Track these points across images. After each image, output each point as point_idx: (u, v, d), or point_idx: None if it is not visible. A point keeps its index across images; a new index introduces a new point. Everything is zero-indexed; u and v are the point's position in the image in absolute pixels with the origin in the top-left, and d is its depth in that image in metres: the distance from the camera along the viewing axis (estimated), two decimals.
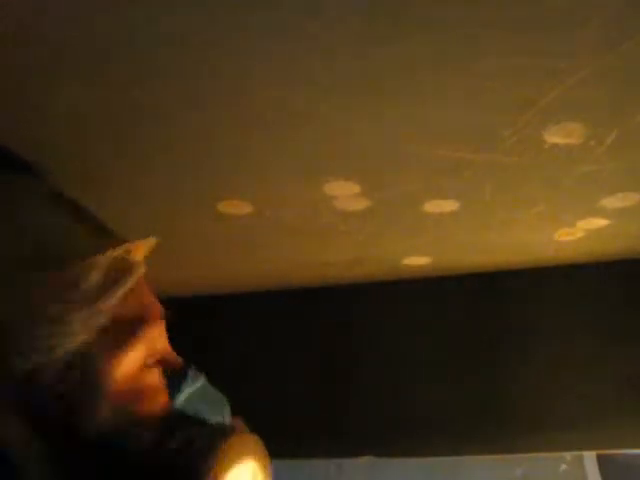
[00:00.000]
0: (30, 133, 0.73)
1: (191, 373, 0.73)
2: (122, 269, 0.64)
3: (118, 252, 0.63)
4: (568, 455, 2.14)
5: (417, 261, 1.10)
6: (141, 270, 0.66)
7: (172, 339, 1.25)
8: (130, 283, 0.63)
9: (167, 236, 1.01)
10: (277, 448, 1.21)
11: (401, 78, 0.65)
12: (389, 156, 0.79)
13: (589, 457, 2.11)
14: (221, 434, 0.61)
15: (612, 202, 0.90)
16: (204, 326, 1.26)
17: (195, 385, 0.72)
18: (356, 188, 0.86)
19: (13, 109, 0.68)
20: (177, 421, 0.62)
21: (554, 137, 0.74)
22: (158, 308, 0.68)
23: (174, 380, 0.66)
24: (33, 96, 0.66)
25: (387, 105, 0.70)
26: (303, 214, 0.94)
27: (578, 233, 1.00)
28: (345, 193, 0.88)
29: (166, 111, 0.70)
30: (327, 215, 0.93)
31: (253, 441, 0.64)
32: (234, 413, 1.25)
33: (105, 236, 0.67)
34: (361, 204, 0.90)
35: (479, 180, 0.84)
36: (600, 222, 0.96)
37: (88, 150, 0.77)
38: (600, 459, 2.11)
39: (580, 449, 1.29)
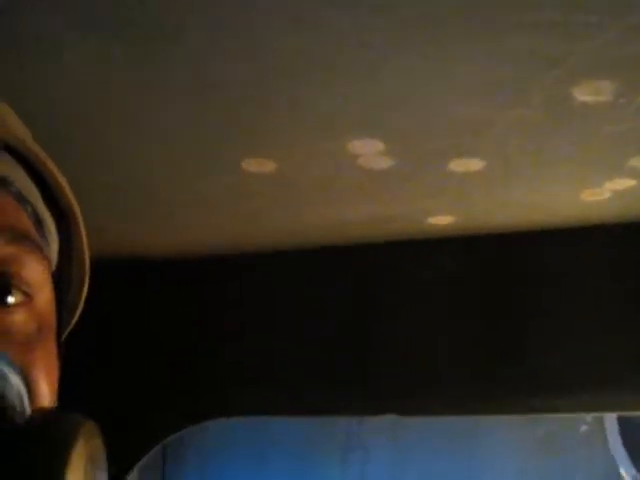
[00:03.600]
0: None
1: None
2: None
3: None
4: (589, 416, 2.15)
5: (441, 220, 1.09)
6: None
7: (193, 300, 1.26)
8: None
9: (191, 194, 1.02)
10: (299, 405, 1.23)
11: (428, 32, 0.64)
12: (414, 114, 0.79)
13: (610, 418, 2.12)
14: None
15: None
16: (224, 286, 1.27)
17: None
18: (380, 146, 0.86)
19: None
20: None
21: (583, 95, 0.73)
22: None
23: None
24: None
25: (414, 61, 0.69)
26: (326, 172, 0.93)
27: (605, 194, 0.99)
28: (369, 151, 0.87)
29: (190, 64, 0.70)
30: (351, 173, 0.92)
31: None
32: (254, 371, 1.26)
33: None
34: (385, 162, 0.90)
35: (505, 138, 0.83)
36: (628, 182, 0.95)
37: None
38: (621, 420, 2.12)
39: (601, 410, 1.29)
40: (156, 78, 0.72)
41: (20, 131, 0.54)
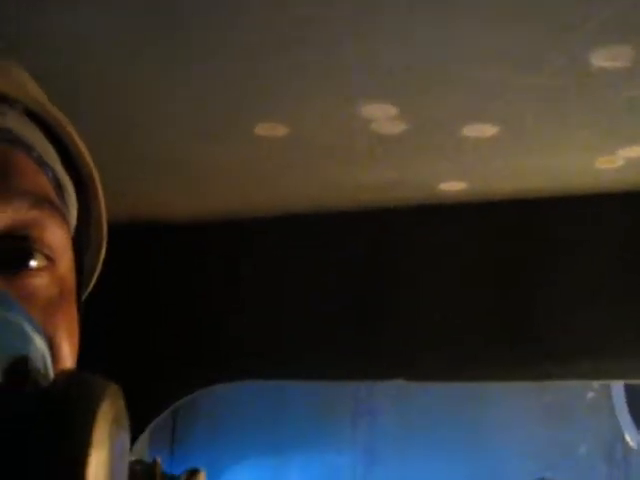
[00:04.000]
0: None
1: None
2: None
3: None
4: (596, 384, 2.16)
5: (454, 186, 1.08)
6: None
7: (205, 264, 1.27)
8: None
9: (206, 158, 1.02)
10: (308, 370, 1.24)
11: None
12: (428, 78, 0.78)
13: (617, 386, 2.13)
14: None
15: None
16: (236, 249, 1.27)
17: None
18: (393, 110, 0.85)
19: None
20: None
21: (601, 60, 0.72)
22: None
23: None
24: None
25: (427, 25, 0.68)
26: (339, 137, 0.93)
27: (618, 161, 0.98)
28: (382, 115, 0.86)
29: (202, 32, 0.69)
30: (363, 138, 0.92)
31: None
32: (264, 336, 1.27)
33: None
34: (398, 127, 0.89)
35: (521, 104, 0.83)
36: None
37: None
38: (627, 388, 2.13)
39: (608, 378, 1.29)
40: (173, 46, 0.72)
41: (39, 95, 0.54)
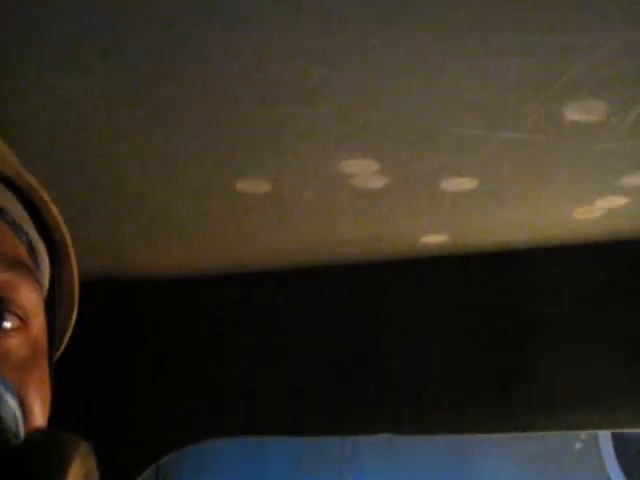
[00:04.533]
0: None
1: None
2: None
3: None
4: (583, 434, 2.15)
5: (434, 239, 1.09)
6: None
7: (184, 321, 1.27)
8: None
9: (189, 213, 1.02)
10: (293, 426, 1.23)
11: (422, 53, 0.65)
12: (408, 133, 0.79)
13: (604, 435, 2.12)
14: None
15: (632, 180, 0.89)
16: (220, 306, 1.27)
17: None
18: (374, 166, 0.86)
19: None
20: None
21: (575, 114, 0.74)
22: None
23: None
24: None
25: (407, 80, 0.69)
26: (321, 192, 0.94)
27: (597, 212, 0.99)
28: (363, 171, 0.88)
29: (183, 88, 0.70)
30: (345, 193, 0.93)
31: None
32: (249, 392, 1.26)
33: None
34: (379, 182, 0.90)
35: (498, 158, 0.84)
36: (619, 200, 0.95)
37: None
38: (615, 438, 2.12)
39: (595, 428, 1.29)
40: (156, 101, 0.73)
41: (14, 161, 0.55)
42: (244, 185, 0.91)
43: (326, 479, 2.28)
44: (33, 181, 0.55)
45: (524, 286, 1.15)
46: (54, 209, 0.56)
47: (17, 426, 0.46)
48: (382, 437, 1.19)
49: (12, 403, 0.46)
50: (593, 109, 0.73)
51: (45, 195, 0.56)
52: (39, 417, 0.49)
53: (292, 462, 2.28)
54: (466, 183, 0.91)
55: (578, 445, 2.16)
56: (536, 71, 0.68)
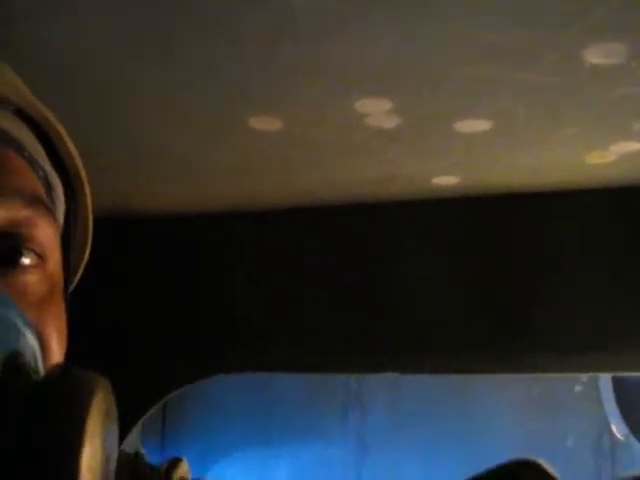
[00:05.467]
0: None
1: None
2: None
3: None
4: (583, 376, 2.18)
5: (447, 181, 1.09)
6: None
7: (197, 257, 1.27)
8: None
9: (201, 152, 1.02)
10: (298, 362, 1.24)
11: None
12: (423, 73, 0.78)
13: (604, 379, 2.15)
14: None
15: None
16: (229, 243, 1.27)
17: None
18: (388, 105, 0.85)
19: None
20: None
21: (595, 57, 0.73)
22: None
23: None
24: None
25: (421, 19, 0.68)
26: (333, 131, 0.93)
27: (610, 156, 0.99)
28: (376, 110, 0.87)
29: (200, 21, 0.69)
30: (358, 132, 0.92)
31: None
32: (254, 328, 1.27)
33: None
34: (392, 122, 0.90)
35: (514, 99, 0.83)
36: (634, 146, 0.95)
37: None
38: (615, 381, 2.15)
39: (596, 371, 1.30)
40: (167, 37, 0.72)
41: (30, 95, 0.54)
42: (256, 122, 0.91)
43: (331, 415, 2.32)
44: (49, 114, 0.55)
45: (534, 229, 1.15)
46: (70, 144, 0.56)
47: (36, 362, 0.47)
48: (386, 376, 1.21)
49: (31, 339, 0.46)
50: (613, 52, 0.72)
51: (61, 128, 0.55)
52: (57, 353, 0.50)
53: (298, 398, 2.32)
54: (480, 125, 0.90)
55: (578, 388, 2.19)
56: (557, 11, 0.67)
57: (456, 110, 0.87)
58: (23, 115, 0.53)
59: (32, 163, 0.52)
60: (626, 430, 2.14)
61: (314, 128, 0.92)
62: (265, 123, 0.91)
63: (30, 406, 0.42)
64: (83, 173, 0.58)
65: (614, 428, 2.15)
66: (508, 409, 2.22)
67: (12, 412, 0.41)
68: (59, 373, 0.45)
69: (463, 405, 2.23)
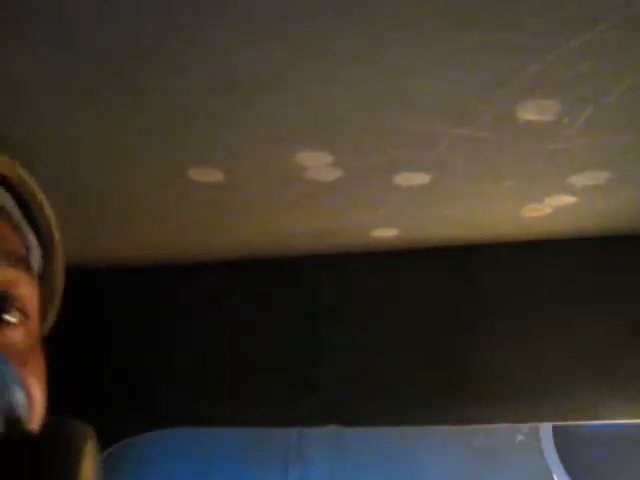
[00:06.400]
0: None
1: None
2: None
3: None
4: (524, 426, 2.19)
5: (386, 233, 1.10)
6: None
7: (132, 310, 1.25)
8: None
9: (134, 202, 1.01)
10: (239, 417, 1.22)
11: (378, 47, 0.65)
12: (363, 127, 0.79)
13: (545, 428, 2.16)
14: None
15: (581, 180, 0.91)
16: (166, 295, 1.25)
17: None
18: (328, 158, 0.86)
19: None
20: None
21: (528, 113, 0.75)
22: None
23: None
24: None
25: (363, 75, 0.69)
26: (274, 183, 0.93)
27: (546, 209, 1.01)
28: (316, 163, 0.87)
29: (136, 76, 0.69)
30: (298, 185, 0.93)
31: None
32: (193, 383, 1.25)
33: None
34: (332, 174, 0.90)
35: (451, 154, 0.85)
36: (568, 199, 0.97)
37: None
38: (556, 430, 2.16)
39: (536, 420, 1.31)
40: (108, 91, 0.72)
41: (16, 166, 0.59)
42: (197, 174, 0.90)
43: (271, 470, 2.28)
44: (30, 180, 0.60)
45: (472, 281, 1.16)
46: (49, 210, 0.61)
47: (25, 412, 0.51)
48: (327, 429, 1.19)
49: (20, 392, 0.51)
50: (546, 109, 0.74)
51: (42, 197, 0.61)
52: (40, 402, 0.54)
53: (237, 453, 2.28)
54: (419, 178, 0.91)
55: (520, 438, 2.19)
56: (491, 70, 0.68)
57: (395, 163, 0.88)
58: (7, 183, 0.59)
59: (15, 227, 0.58)
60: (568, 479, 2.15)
61: (255, 180, 0.92)
62: (205, 175, 0.90)
63: (30, 458, 0.47)
64: (59, 238, 0.63)
65: (556, 478, 2.16)
66: (451, 461, 2.22)
67: (19, 461, 0.46)
68: (53, 424, 0.52)
69: (406, 458, 2.21)
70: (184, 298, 1.24)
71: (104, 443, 1.23)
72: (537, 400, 1.10)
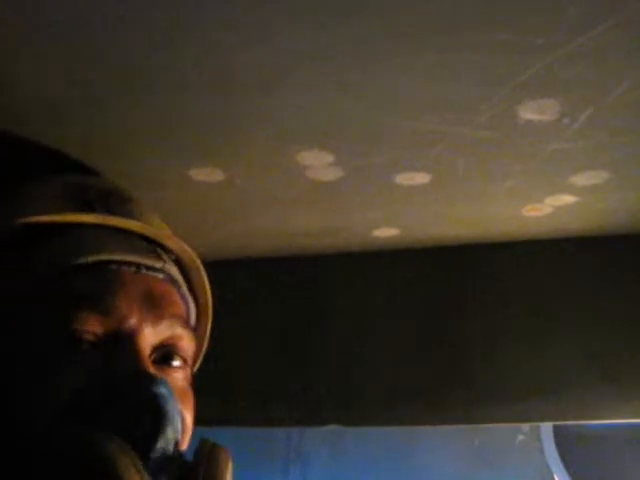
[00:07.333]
0: None
1: None
2: None
3: None
4: (525, 426, 2.19)
5: (387, 232, 1.10)
6: None
7: None
8: None
9: (137, 197, 1.00)
10: (238, 417, 1.22)
11: (379, 48, 0.65)
12: (364, 126, 0.79)
13: (546, 428, 2.16)
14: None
15: (581, 180, 0.91)
16: None
17: None
18: (328, 157, 0.86)
19: None
20: None
21: (529, 113, 0.75)
22: None
23: None
24: None
25: (364, 75, 0.69)
26: (275, 183, 0.93)
27: (546, 209, 1.01)
28: (317, 163, 0.87)
29: (138, 75, 0.69)
30: (299, 184, 0.93)
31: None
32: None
33: None
34: (333, 174, 0.90)
35: (452, 154, 0.85)
36: (568, 199, 0.97)
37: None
38: (556, 430, 2.16)
39: (537, 420, 1.31)
40: (109, 92, 0.72)
41: (179, 241, 0.76)
42: (197, 174, 0.90)
43: (271, 470, 2.28)
44: (188, 249, 0.77)
45: (472, 281, 1.16)
46: (205, 278, 0.80)
47: (180, 438, 0.66)
48: (327, 428, 1.19)
49: (179, 421, 0.66)
50: (546, 109, 0.74)
51: (199, 266, 0.79)
52: (190, 429, 0.71)
53: (237, 453, 2.28)
54: (419, 178, 0.91)
55: (520, 438, 2.19)
56: (492, 70, 0.68)
57: (396, 163, 0.88)
58: (175, 258, 0.77)
59: (182, 295, 0.75)
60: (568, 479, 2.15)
61: (256, 180, 0.92)
62: (206, 174, 0.90)
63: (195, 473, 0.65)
64: (210, 303, 0.82)
65: (556, 478, 2.16)
66: (451, 461, 2.22)
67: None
68: (209, 450, 0.68)
69: (406, 457, 2.21)
70: None
71: None
72: (537, 400, 1.10)
